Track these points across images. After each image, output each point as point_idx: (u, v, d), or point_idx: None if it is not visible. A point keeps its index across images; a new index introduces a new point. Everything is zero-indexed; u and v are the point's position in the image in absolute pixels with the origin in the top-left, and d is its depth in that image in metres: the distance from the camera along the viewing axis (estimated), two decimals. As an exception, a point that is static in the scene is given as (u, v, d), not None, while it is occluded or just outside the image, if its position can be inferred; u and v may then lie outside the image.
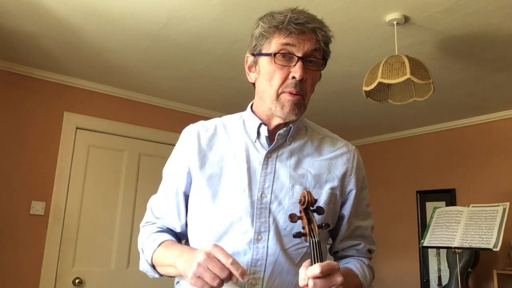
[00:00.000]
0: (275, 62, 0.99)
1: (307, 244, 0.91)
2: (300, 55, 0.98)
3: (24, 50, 2.85)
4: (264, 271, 0.97)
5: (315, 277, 0.83)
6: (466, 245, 3.01)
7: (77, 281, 3.15)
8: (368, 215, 1.18)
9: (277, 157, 1.06)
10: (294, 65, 0.98)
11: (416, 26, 2.32)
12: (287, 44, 0.98)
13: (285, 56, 0.99)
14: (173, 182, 1.11)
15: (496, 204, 3.10)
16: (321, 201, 1.04)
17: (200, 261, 0.85)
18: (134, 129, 3.54)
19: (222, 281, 0.85)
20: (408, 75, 2.06)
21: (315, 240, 0.88)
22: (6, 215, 2.96)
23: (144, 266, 1.11)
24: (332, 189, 1.07)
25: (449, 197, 3.92)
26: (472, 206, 3.22)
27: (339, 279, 0.84)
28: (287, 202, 1.01)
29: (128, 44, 2.69)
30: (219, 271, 0.84)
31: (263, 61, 1.03)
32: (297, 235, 0.92)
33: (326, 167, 1.08)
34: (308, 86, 1.02)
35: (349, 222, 1.12)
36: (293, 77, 0.98)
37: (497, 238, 2.86)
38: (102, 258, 3.32)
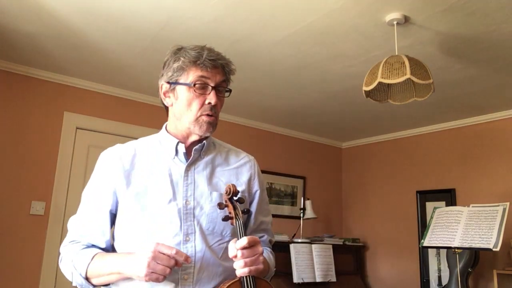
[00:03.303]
0: (194, 91, 1.18)
1: (227, 239, 1.19)
2: (213, 85, 1.20)
3: (24, 50, 2.85)
4: (194, 266, 1.13)
5: (243, 248, 1.07)
6: (466, 245, 3.01)
7: (77, 281, 3.15)
8: (269, 212, 1.40)
9: (194, 169, 1.24)
10: (209, 94, 1.19)
11: (416, 26, 2.32)
12: (203, 76, 1.18)
13: (202, 86, 1.19)
14: (97, 203, 1.22)
15: (496, 204, 3.10)
16: None
17: (149, 259, 1.02)
18: (134, 129, 3.54)
19: (171, 269, 1.04)
20: (408, 75, 2.06)
21: (240, 222, 1.13)
22: (6, 215, 2.96)
23: (78, 281, 1.18)
24: (242, 192, 1.27)
25: (449, 197, 3.92)
26: (472, 206, 3.21)
27: (260, 249, 1.10)
28: (207, 206, 1.20)
29: (128, 44, 2.69)
30: (167, 262, 1.03)
31: (182, 89, 1.20)
32: (225, 218, 1.15)
33: (234, 175, 1.30)
34: (219, 108, 1.24)
35: (255, 218, 1.33)
36: (209, 103, 1.19)
37: (497, 238, 2.86)
38: (102, 258, 3.32)
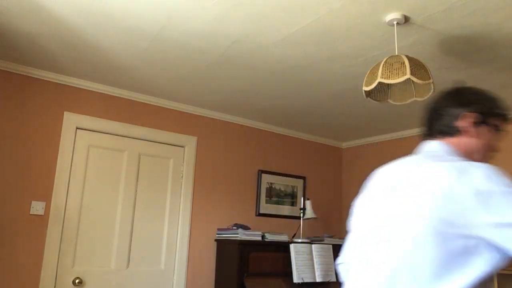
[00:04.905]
0: (497, 137, 1.28)
1: None
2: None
3: (24, 50, 2.85)
4: None
5: None
6: (466, 245, 3.01)
7: (77, 281, 3.16)
8: None
9: None
10: (497, 143, 1.29)
11: (416, 26, 2.32)
12: (502, 130, 1.29)
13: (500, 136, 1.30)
14: None
15: (496, 204, 3.10)
16: None
17: None
18: (134, 129, 3.54)
19: None
20: (408, 75, 2.06)
21: None
22: (6, 215, 2.96)
23: None
24: None
25: (449, 197, 3.92)
26: (472, 206, 3.21)
27: None
28: None
29: (128, 44, 2.69)
30: None
31: (487, 130, 1.27)
32: None
33: None
34: None
35: None
36: (496, 151, 1.29)
37: (497, 238, 2.86)
38: (102, 258, 3.32)
